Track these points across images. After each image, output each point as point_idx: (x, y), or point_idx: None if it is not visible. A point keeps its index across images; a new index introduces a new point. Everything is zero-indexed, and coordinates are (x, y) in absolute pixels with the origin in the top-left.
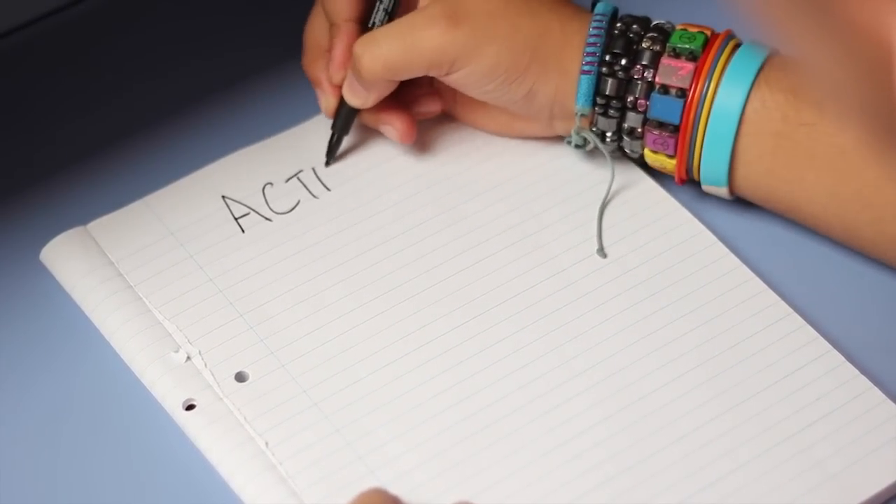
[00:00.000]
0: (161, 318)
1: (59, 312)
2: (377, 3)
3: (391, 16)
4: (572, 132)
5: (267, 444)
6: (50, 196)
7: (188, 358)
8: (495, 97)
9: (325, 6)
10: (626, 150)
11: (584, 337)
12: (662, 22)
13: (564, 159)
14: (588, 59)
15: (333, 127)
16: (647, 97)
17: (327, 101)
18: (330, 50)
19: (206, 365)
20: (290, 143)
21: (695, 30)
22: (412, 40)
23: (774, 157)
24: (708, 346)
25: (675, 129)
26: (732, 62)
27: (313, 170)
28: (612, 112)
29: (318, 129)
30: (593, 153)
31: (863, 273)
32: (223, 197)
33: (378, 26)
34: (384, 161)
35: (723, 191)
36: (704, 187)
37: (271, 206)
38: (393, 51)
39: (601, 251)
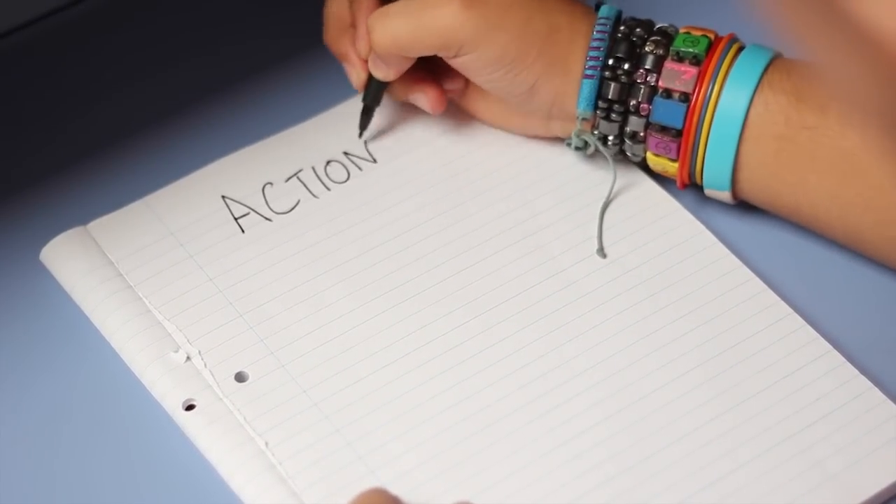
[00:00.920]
0: (161, 318)
1: (59, 312)
2: None
3: None
4: (573, 135)
5: (267, 444)
6: (50, 196)
7: (188, 358)
8: (498, 87)
9: None
10: (628, 154)
11: (584, 337)
12: (666, 25)
13: (565, 158)
14: (591, 62)
15: (365, 98)
16: (650, 101)
17: (357, 75)
18: (353, 24)
19: (205, 365)
20: (289, 143)
21: (698, 33)
22: (423, 18)
23: (777, 161)
24: (708, 346)
25: (678, 133)
26: (736, 65)
27: (313, 169)
28: (614, 116)
29: (318, 129)
30: (594, 154)
31: (863, 273)
32: (223, 197)
33: None
34: (385, 161)
35: (725, 195)
36: (707, 191)
37: (271, 205)
38: (403, 27)
39: (601, 251)
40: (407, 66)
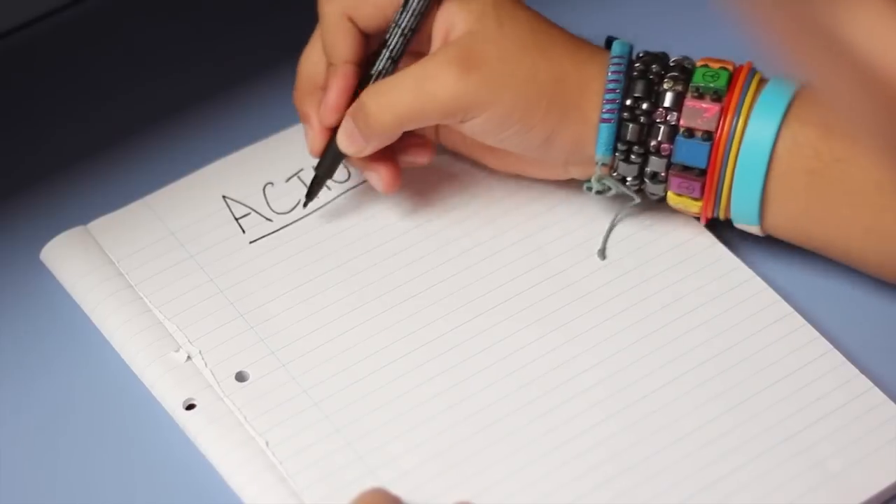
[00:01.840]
0: (161, 317)
1: (59, 312)
2: (383, 50)
3: (396, 64)
4: (593, 180)
5: (267, 443)
6: (50, 196)
7: (188, 357)
8: (512, 144)
9: (325, 44)
10: (647, 192)
11: (585, 336)
12: (681, 58)
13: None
14: (608, 106)
15: (317, 168)
16: (671, 141)
17: (314, 141)
18: (324, 89)
19: (206, 364)
20: (290, 143)
21: (717, 66)
22: (424, 90)
23: (808, 195)
24: (708, 345)
25: (702, 173)
26: (760, 99)
27: (314, 168)
28: (633, 157)
29: None
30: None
31: (863, 273)
32: (224, 197)
33: (384, 75)
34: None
35: (754, 229)
36: (737, 225)
37: (272, 205)
38: (404, 102)
39: (602, 252)
40: (391, 142)
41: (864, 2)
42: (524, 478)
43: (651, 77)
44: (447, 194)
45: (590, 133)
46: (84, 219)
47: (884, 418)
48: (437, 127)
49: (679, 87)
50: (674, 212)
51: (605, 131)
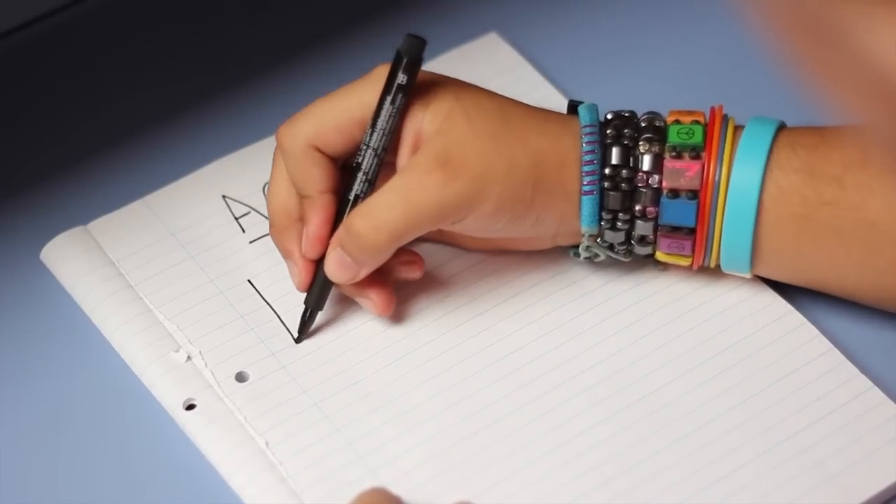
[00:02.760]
0: (161, 317)
1: (59, 312)
2: (358, 174)
3: (373, 184)
4: (580, 249)
5: (267, 443)
6: (50, 196)
7: (188, 358)
8: (505, 233)
9: (295, 178)
10: (635, 252)
11: (584, 336)
12: (650, 116)
13: None
14: (588, 178)
15: (307, 301)
16: (656, 203)
17: (301, 276)
18: (303, 222)
19: (206, 365)
20: None
21: (688, 120)
22: (412, 202)
23: (800, 240)
24: (707, 345)
25: (691, 231)
26: (739, 150)
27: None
28: (620, 224)
29: None
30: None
31: None
32: (223, 197)
33: (362, 197)
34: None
35: (745, 275)
36: (725, 271)
37: None
38: (395, 217)
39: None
40: (383, 262)
41: (888, 15)
42: (524, 478)
43: (626, 142)
44: None
45: (574, 207)
46: (84, 219)
47: (884, 418)
48: None
49: (655, 149)
50: None
51: (588, 204)
